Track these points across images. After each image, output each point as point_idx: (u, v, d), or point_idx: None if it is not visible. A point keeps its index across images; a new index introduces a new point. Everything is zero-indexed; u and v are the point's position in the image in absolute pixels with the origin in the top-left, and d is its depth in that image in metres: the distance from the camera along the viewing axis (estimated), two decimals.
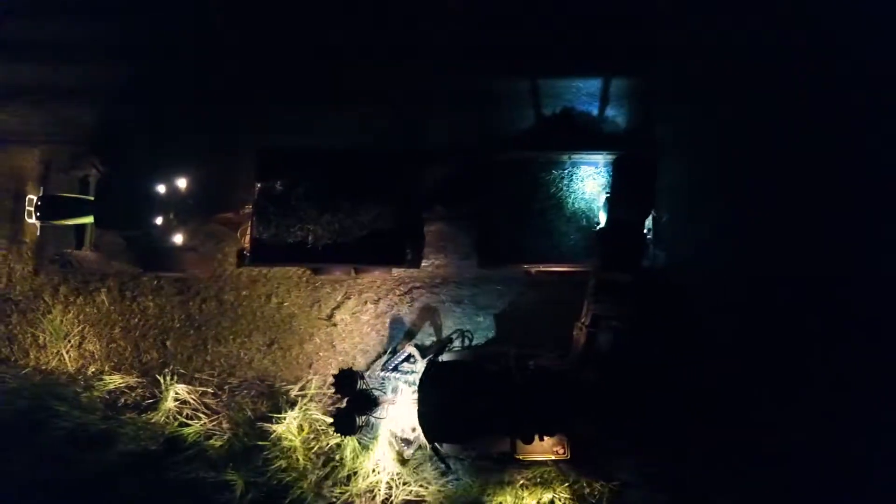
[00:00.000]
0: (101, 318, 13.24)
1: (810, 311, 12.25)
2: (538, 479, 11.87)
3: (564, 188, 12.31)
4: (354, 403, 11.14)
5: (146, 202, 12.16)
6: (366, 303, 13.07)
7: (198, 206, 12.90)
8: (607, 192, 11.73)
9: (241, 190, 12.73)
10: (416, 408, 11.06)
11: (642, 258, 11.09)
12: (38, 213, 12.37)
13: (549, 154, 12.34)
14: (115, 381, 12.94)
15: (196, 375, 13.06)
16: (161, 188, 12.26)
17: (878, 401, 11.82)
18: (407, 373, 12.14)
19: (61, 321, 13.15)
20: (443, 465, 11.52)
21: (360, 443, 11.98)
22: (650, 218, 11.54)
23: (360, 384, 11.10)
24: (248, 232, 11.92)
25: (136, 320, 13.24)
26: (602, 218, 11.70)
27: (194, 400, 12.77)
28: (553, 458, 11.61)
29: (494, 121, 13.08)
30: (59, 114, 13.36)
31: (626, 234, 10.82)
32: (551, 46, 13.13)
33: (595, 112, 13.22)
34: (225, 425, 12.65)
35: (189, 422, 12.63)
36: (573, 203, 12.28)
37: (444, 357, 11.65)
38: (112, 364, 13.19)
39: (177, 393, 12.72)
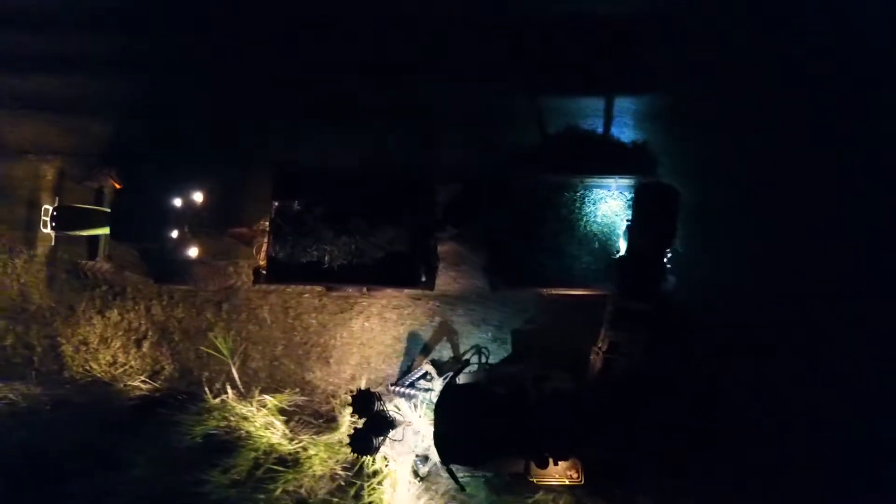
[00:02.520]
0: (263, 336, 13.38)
1: (825, 332, 12.41)
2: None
3: (576, 211, 12.40)
4: (371, 424, 11.18)
5: (161, 215, 12.26)
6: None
7: (212, 220, 13.00)
8: (628, 220, 11.79)
9: (255, 205, 12.85)
10: (433, 429, 11.15)
11: (661, 288, 11.13)
12: (54, 224, 12.48)
13: (561, 177, 12.42)
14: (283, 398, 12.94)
15: None
16: (176, 201, 12.34)
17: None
18: (423, 390, 12.28)
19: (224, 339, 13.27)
20: (457, 486, 11.62)
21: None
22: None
23: (377, 405, 11.16)
24: (264, 249, 11.97)
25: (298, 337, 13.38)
26: (622, 246, 11.76)
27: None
28: (567, 482, 11.67)
29: (507, 142, 13.14)
30: (75, 126, 13.45)
31: (645, 263, 10.90)
32: (566, 66, 13.19)
33: (608, 133, 13.28)
34: None
35: None
36: (585, 226, 12.37)
37: (461, 378, 11.74)
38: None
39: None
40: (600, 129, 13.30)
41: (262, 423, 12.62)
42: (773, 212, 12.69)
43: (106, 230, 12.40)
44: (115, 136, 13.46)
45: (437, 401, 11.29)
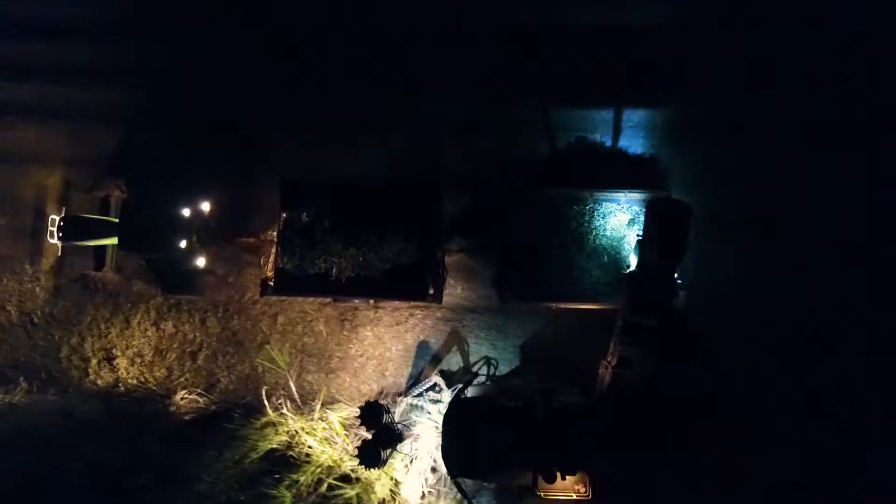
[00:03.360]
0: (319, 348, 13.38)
1: (834, 342, 12.32)
2: None
3: (586, 224, 12.33)
4: (380, 436, 11.20)
5: (169, 225, 12.23)
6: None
7: (220, 230, 12.97)
8: (639, 235, 11.72)
9: (263, 214, 12.86)
10: (441, 442, 11.12)
11: (671, 304, 11.05)
12: (60, 234, 12.42)
13: (571, 190, 12.36)
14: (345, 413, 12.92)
15: None
16: (184, 211, 12.30)
17: None
18: (432, 401, 12.26)
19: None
20: (464, 499, 11.55)
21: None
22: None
23: (385, 417, 11.15)
24: (271, 261, 11.92)
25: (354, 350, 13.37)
26: (633, 261, 11.69)
27: None
28: (574, 496, 11.55)
29: (517, 154, 13.13)
30: (83, 135, 13.44)
31: (656, 279, 10.83)
32: (577, 78, 13.16)
33: (617, 145, 13.25)
34: None
35: None
36: (594, 239, 12.30)
37: (470, 391, 11.70)
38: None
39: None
40: (610, 141, 13.27)
41: (324, 437, 12.61)
42: (786, 222, 12.63)
43: (113, 240, 12.35)
44: (122, 145, 13.44)
45: (445, 414, 11.26)
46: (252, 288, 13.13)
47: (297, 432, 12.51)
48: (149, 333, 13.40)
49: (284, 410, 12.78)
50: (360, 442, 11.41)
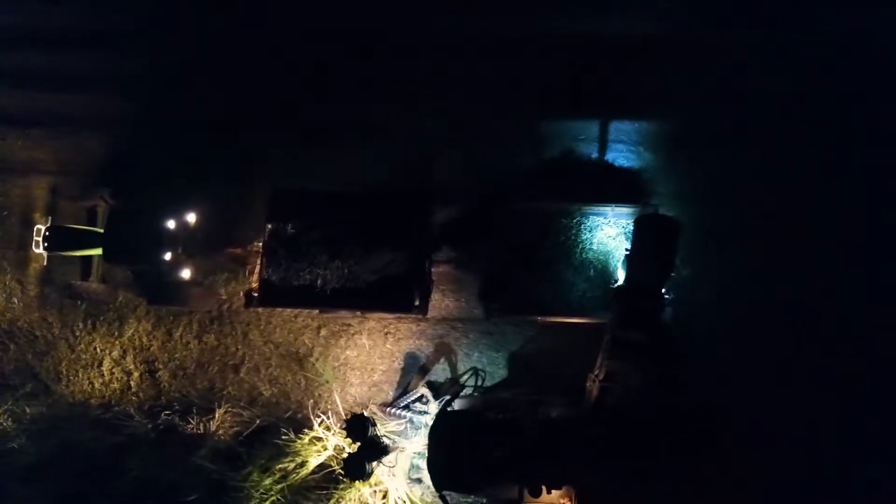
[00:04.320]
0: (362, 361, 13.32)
1: (835, 356, 12.26)
2: None
3: (573, 238, 12.30)
4: (365, 449, 11.16)
5: (155, 237, 12.14)
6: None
7: (206, 241, 12.92)
8: (627, 250, 11.73)
9: (251, 225, 12.81)
10: (426, 455, 11.06)
11: (660, 319, 11.03)
12: (46, 244, 12.37)
13: (559, 203, 12.35)
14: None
15: None
16: (170, 223, 12.26)
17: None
18: (419, 413, 12.23)
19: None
20: None
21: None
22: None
23: (371, 430, 11.12)
24: (256, 272, 11.89)
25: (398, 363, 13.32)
26: (620, 275, 11.69)
27: None
28: None
29: (506, 167, 13.11)
30: (70, 144, 13.45)
31: (644, 294, 10.81)
32: (566, 90, 13.19)
33: (606, 157, 13.24)
34: None
35: None
36: (581, 253, 12.26)
37: (456, 403, 11.67)
38: None
39: None
40: (598, 154, 13.26)
41: None
42: (781, 234, 12.61)
43: (98, 251, 12.29)
44: (110, 154, 13.44)
45: (431, 426, 11.21)
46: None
47: (343, 447, 12.37)
48: (191, 346, 13.36)
49: (329, 424, 12.71)
50: (345, 454, 11.40)
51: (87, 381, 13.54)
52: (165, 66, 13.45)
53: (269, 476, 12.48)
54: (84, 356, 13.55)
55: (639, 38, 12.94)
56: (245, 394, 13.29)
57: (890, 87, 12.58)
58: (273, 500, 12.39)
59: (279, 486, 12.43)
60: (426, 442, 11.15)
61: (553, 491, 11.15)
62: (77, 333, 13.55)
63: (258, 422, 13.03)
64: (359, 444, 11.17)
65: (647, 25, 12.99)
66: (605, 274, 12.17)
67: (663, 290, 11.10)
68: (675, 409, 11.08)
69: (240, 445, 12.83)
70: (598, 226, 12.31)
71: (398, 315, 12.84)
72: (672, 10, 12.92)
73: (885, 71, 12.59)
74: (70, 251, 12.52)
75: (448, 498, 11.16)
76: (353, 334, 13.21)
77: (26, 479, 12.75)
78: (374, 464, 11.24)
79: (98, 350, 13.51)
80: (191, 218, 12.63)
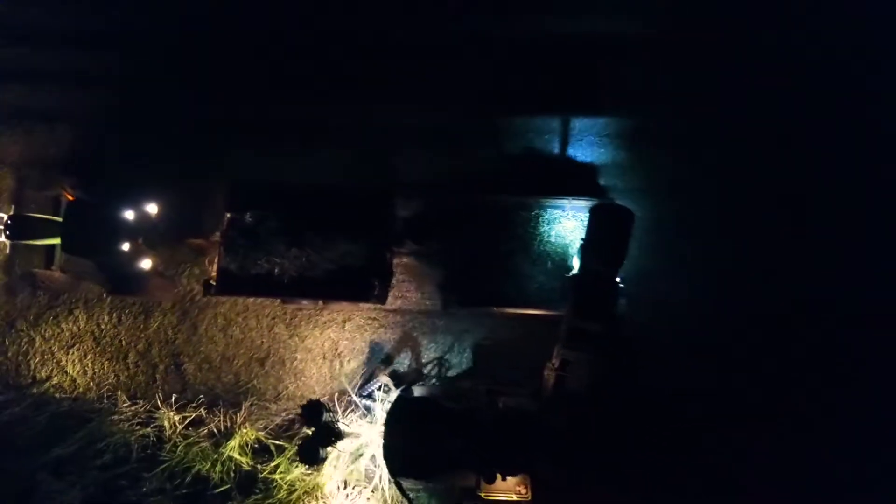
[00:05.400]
0: None
1: (795, 352, 12.59)
2: None
3: (531, 231, 12.46)
4: (320, 434, 11.27)
5: (113, 228, 12.21)
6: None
7: (167, 232, 13.02)
8: (582, 239, 11.92)
9: (213, 216, 12.82)
10: (382, 442, 11.20)
11: (614, 308, 11.21)
12: (7, 233, 12.41)
13: (518, 196, 12.50)
14: None
15: None
16: (130, 214, 12.32)
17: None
18: (379, 401, 12.32)
19: None
20: (405, 499, 11.65)
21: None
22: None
23: (326, 415, 11.22)
24: (215, 261, 11.97)
25: None
26: (576, 264, 11.85)
27: None
28: (515, 497, 11.61)
29: (467, 162, 13.31)
30: (33, 135, 13.52)
31: (598, 283, 10.99)
32: (528, 88, 13.38)
33: (568, 153, 13.45)
34: None
35: None
36: (540, 246, 12.43)
37: (415, 391, 11.82)
38: None
39: None
40: (560, 150, 13.46)
41: None
42: (744, 229, 12.88)
43: (58, 240, 12.35)
44: (76, 146, 13.50)
45: (388, 413, 11.38)
46: None
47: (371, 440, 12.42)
48: (216, 340, 13.42)
49: (356, 417, 12.72)
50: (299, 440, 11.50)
51: (112, 374, 13.55)
52: (132, 62, 13.51)
53: (297, 467, 12.52)
54: (110, 350, 13.59)
55: (605, 36, 13.16)
56: (270, 387, 13.39)
57: (860, 79, 12.81)
58: (301, 493, 12.43)
59: (308, 478, 12.49)
60: (383, 430, 11.28)
61: (509, 478, 11.30)
62: (102, 327, 13.60)
63: (284, 414, 13.16)
64: (314, 429, 11.26)
65: (609, 25, 13.20)
66: (563, 266, 12.32)
67: (618, 279, 11.29)
68: (627, 398, 11.30)
69: (267, 437, 12.91)
70: (556, 219, 12.48)
71: (358, 304, 12.90)
72: (640, 8, 13.13)
73: (853, 63, 12.80)
74: (31, 240, 12.54)
75: (403, 485, 11.31)
76: (379, 328, 13.51)
77: (57, 473, 12.74)
78: (329, 449, 11.32)
79: (124, 343, 13.57)
80: (152, 209, 12.68)
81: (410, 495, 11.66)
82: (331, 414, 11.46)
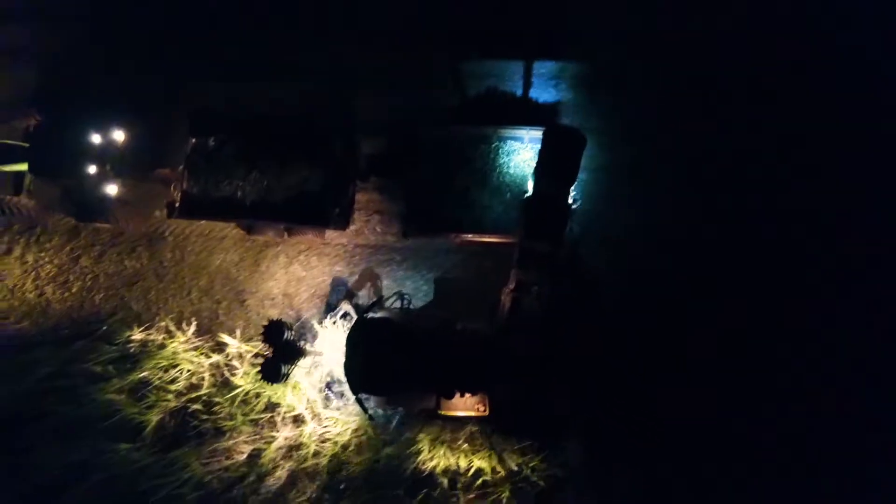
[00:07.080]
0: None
1: (731, 287, 12.84)
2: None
3: (490, 162, 12.71)
4: (281, 353, 11.49)
5: (80, 151, 12.41)
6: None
7: (135, 162, 13.17)
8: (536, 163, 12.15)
9: (178, 149, 13.04)
10: (344, 360, 11.44)
11: (564, 229, 11.33)
12: None
13: (476, 129, 12.74)
14: None
15: None
16: (96, 138, 12.51)
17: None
18: (342, 328, 12.60)
19: None
20: (366, 415, 12.01)
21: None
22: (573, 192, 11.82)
23: (287, 335, 11.44)
24: (180, 185, 12.22)
25: None
26: (530, 187, 12.09)
27: None
28: (474, 414, 12.05)
29: (428, 100, 13.50)
30: (6, 74, 13.75)
31: (549, 205, 11.12)
32: (487, 28, 13.54)
33: (528, 94, 13.66)
34: None
35: None
36: (498, 177, 12.69)
37: (376, 314, 12.06)
38: None
39: None
40: (521, 91, 13.65)
41: None
42: (693, 172, 13.14)
43: (26, 166, 12.56)
44: (42, 79, 13.72)
45: (349, 332, 11.59)
46: None
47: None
48: (277, 276, 13.74)
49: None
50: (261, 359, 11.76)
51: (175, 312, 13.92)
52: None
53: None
54: (172, 286, 13.95)
55: None
56: None
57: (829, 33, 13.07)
58: None
59: None
60: (345, 348, 11.55)
61: (468, 396, 11.72)
62: (165, 264, 13.93)
63: None
64: (274, 348, 11.55)
65: None
66: (521, 196, 12.60)
67: (568, 201, 11.54)
68: (574, 317, 11.62)
69: None
70: (515, 150, 12.72)
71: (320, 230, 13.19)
72: None
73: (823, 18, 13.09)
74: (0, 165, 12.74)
75: (364, 401, 11.61)
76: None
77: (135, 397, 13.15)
78: (290, 367, 11.61)
79: (187, 280, 13.97)
80: (118, 136, 12.88)
81: (370, 411, 11.98)
82: (291, 333, 11.69)
